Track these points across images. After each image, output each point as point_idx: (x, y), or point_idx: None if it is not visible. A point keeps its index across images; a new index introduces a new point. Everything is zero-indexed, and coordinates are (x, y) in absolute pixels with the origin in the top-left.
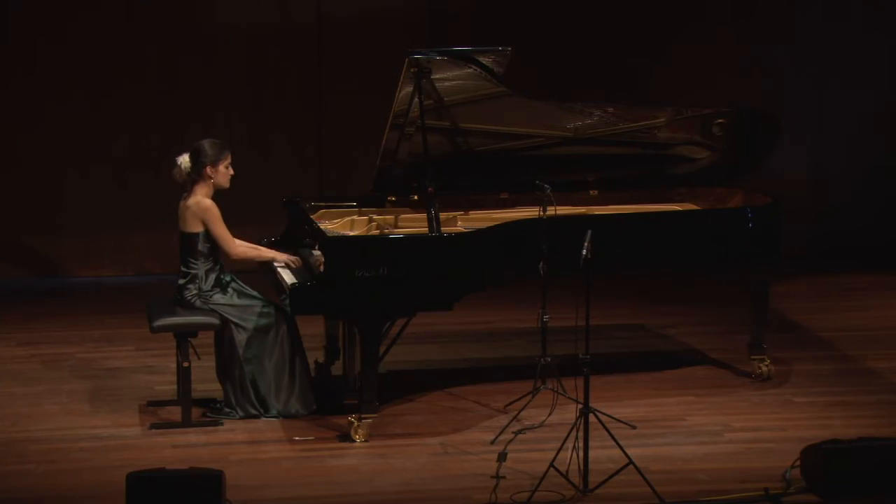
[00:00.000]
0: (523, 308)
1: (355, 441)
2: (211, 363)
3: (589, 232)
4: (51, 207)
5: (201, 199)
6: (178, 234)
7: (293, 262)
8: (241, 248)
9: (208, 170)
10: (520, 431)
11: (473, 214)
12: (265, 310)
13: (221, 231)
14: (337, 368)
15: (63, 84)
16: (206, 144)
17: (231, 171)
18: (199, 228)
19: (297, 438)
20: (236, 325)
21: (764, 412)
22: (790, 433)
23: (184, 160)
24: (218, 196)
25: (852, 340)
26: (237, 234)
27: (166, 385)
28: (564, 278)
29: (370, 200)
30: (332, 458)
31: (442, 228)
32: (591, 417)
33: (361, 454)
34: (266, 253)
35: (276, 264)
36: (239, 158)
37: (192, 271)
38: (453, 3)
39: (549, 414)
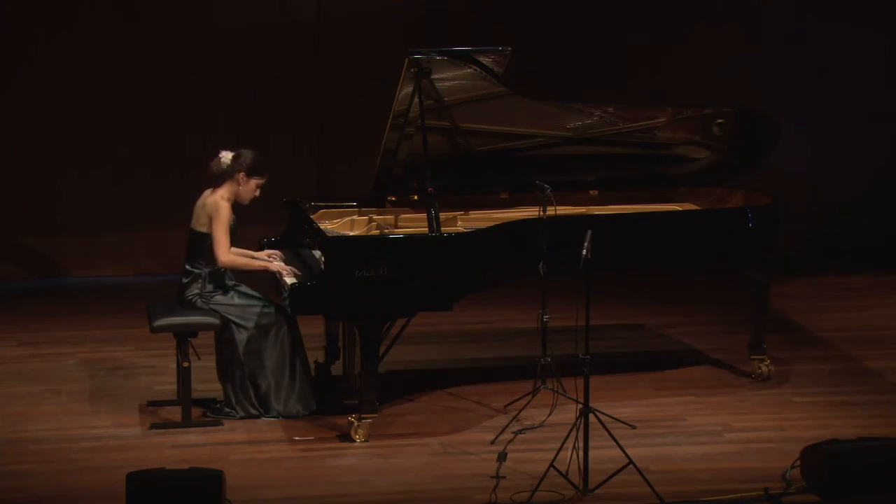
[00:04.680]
0: (523, 308)
1: (355, 441)
2: (211, 363)
3: (589, 232)
4: (51, 207)
5: (218, 199)
6: (188, 232)
7: (286, 271)
8: (232, 256)
9: (241, 176)
10: (520, 431)
11: (473, 214)
12: (265, 310)
13: (221, 234)
14: (337, 368)
15: (63, 84)
16: (252, 154)
17: (257, 193)
18: (209, 229)
19: (297, 438)
20: (237, 324)
21: (764, 412)
22: (790, 433)
23: (226, 155)
24: None
25: (852, 340)
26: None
27: (166, 385)
28: (564, 278)
29: (370, 200)
30: (332, 458)
31: (442, 228)
32: (591, 417)
33: (361, 454)
34: (257, 264)
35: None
36: None
37: (197, 271)
38: (453, 3)
39: (549, 414)
